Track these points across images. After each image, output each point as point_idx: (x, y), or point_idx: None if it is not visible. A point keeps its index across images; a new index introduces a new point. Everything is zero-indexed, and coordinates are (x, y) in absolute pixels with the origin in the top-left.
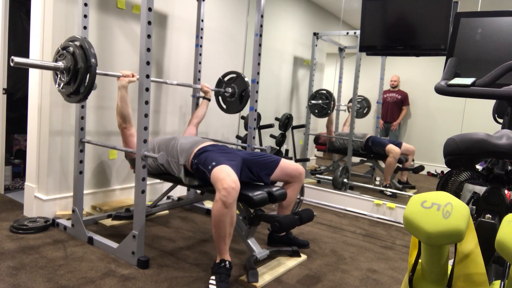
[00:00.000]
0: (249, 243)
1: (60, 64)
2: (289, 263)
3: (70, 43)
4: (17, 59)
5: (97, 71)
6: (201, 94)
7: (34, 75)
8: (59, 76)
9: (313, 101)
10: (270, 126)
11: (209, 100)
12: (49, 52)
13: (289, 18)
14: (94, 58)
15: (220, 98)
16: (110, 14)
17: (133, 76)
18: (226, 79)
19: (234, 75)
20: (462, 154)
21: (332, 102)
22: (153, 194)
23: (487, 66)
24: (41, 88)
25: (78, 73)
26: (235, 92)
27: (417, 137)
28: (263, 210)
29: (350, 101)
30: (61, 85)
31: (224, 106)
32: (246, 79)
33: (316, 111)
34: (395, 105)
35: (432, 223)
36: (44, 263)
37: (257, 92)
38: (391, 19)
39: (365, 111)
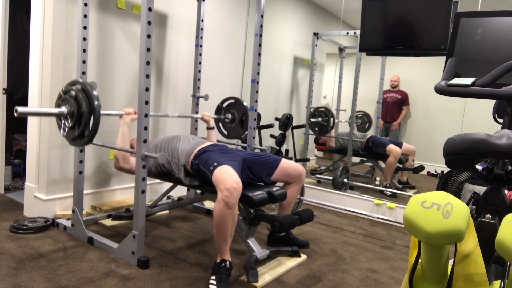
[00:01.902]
0: (249, 243)
1: (64, 109)
2: (289, 263)
3: (72, 86)
4: (21, 109)
5: (100, 112)
6: (201, 94)
7: (34, 75)
8: (63, 121)
9: (312, 119)
10: (270, 126)
11: (213, 128)
12: (49, 52)
13: (289, 18)
14: (97, 100)
15: (220, 124)
16: (110, 14)
17: (135, 113)
18: (224, 105)
19: (233, 101)
20: (462, 154)
21: (332, 119)
22: (153, 194)
23: (487, 66)
24: (41, 88)
25: (82, 116)
26: (235, 118)
27: (417, 137)
28: (263, 210)
29: (350, 117)
30: (66, 130)
31: (225, 132)
32: (245, 103)
33: (316, 128)
34: (395, 105)
35: (432, 223)
36: (44, 263)
37: (257, 92)
38: (391, 19)
39: (366, 126)
